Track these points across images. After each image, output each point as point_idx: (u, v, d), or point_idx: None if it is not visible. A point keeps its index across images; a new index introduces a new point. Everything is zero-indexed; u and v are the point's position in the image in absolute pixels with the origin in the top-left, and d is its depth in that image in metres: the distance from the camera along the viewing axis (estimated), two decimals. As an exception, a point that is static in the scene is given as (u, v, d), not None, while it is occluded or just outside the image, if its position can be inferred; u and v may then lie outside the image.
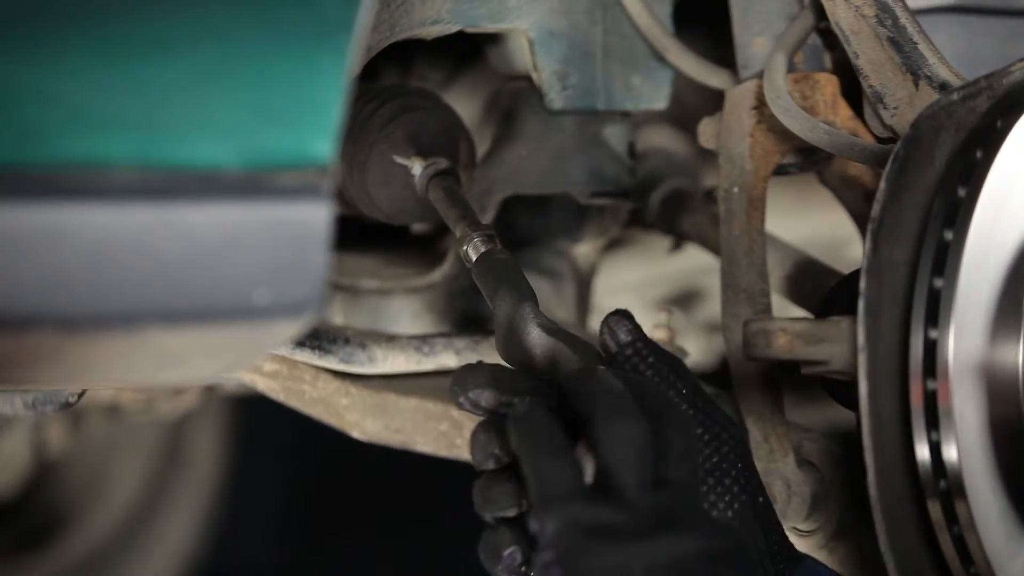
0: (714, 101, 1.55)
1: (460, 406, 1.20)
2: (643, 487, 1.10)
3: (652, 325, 1.59)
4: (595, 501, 1.09)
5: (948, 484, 1.23)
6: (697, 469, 1.15)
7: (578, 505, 1.09)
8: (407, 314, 1.69)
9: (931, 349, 1.23)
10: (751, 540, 1.17)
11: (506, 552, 1.16)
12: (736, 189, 1.47)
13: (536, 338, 1.25)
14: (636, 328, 1.23)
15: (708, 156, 1.61)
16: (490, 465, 1.18)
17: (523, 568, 1.17)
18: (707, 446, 1.18)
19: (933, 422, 1.23)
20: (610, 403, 1.12)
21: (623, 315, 1.24)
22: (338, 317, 1.69)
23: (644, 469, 1.10)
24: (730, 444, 1.19)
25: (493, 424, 1.19)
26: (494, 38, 1.64)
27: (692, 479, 1.13)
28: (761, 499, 1.20)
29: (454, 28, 1.55)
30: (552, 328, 1.25)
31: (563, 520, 1.08)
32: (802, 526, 1.43)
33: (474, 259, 1.34)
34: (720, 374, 1.53)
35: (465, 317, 1.70)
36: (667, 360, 1.22)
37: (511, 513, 1.17)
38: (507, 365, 1.26)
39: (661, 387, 1.19)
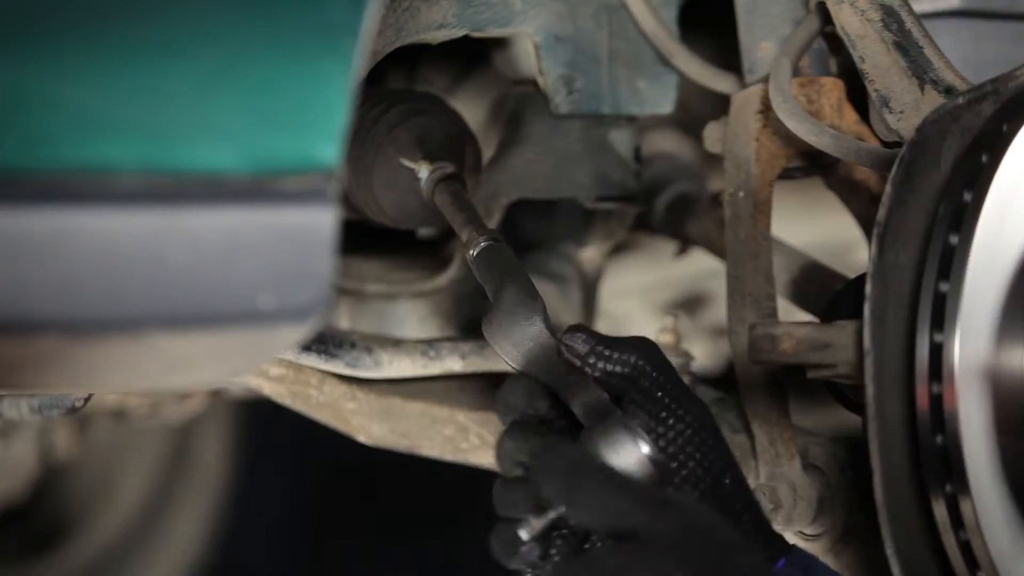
0: (720, 105, 1.55)
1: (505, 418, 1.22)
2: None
3: (658, 329, 1.59)
4: None
5: (954, 487, 1.23)
6: None
7: None
8: (413, 318, 1.69)
9: (937, 353, 1.23)
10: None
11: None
12: (742, 193, 1.47)
13: (538, 339, 1.26)
14: (590, 334, 1.22)
15: (714, 160, 1.61)
16: (518, 472, 1.18)
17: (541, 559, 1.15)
18: (670, 430, 1.18)
19: (939, 425, 1.23)
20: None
21: (574, 328, 1.23)
22: (344, 321, 1.68)
23: None
24: (693, 427, 1.19)
25: (520, 432, 1.20)
26: (500, 42, 1.64)
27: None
28: (728, 480, 1.19)
29: (460, 32, 1.55)
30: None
31: None
32: (808, 530, 1.43)
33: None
34: (726, 378, 1.53)
35: (471, 321, 1.70)
36: (630, 347, 1.21)
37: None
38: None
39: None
